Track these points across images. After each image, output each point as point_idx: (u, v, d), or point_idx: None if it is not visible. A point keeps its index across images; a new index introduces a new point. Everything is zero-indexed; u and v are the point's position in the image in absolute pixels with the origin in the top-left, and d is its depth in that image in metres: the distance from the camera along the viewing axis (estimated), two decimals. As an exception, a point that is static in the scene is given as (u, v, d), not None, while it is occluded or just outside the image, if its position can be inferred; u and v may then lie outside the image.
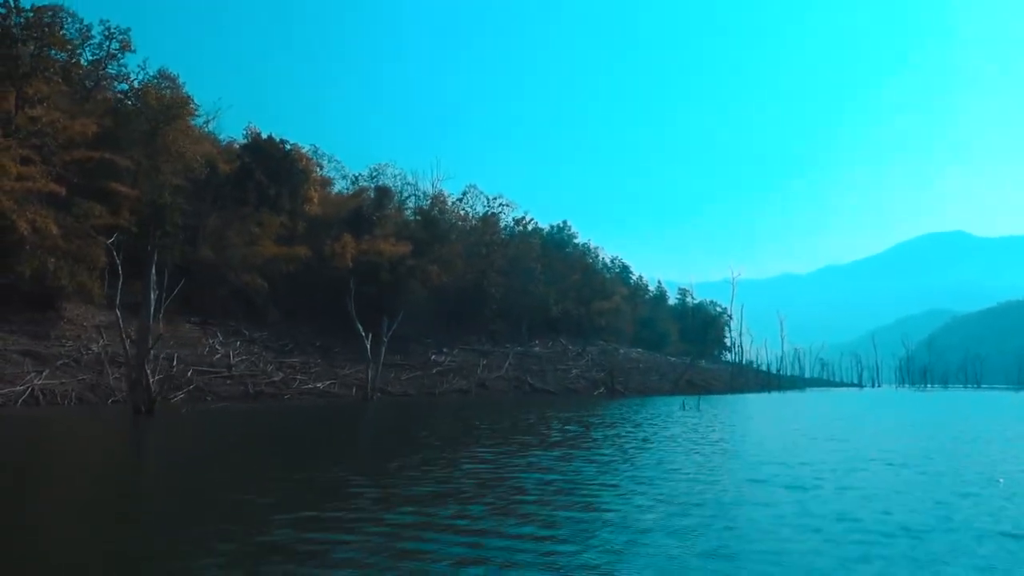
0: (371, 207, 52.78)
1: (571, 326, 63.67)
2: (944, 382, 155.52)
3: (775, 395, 67.20)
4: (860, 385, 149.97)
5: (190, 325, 40.02)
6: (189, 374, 34.05)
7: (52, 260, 32.58)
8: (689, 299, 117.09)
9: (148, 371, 22.16)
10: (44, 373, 28.75)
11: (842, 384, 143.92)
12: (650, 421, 25.80)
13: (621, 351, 64.73)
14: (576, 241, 73.85)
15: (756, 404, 44.18)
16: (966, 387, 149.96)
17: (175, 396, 31.50)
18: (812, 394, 78.59)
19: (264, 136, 52.64)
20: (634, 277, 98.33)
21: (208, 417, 25.23)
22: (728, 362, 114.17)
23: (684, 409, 32.85)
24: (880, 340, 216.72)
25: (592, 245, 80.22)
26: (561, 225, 72.07)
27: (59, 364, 29.94)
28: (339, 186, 63.11)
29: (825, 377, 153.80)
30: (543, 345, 57.69)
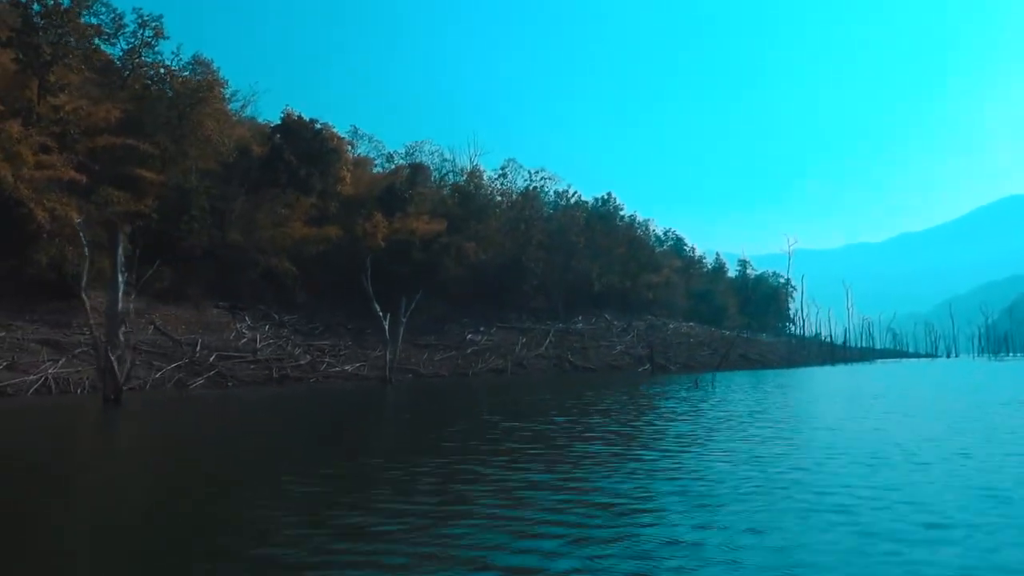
0: (404, 185, 51.52)
1: (617, 301, 61.43)
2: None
3: (836, 368, 63.66)
4: (934, 355, 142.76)
5: (218, 310, 39.64)
6: (212, 359, 33.55)
7: (71, 248, 32.32)
8: (750, 271, 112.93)
9: (114, 358, 21.16)
10: (60, 362, 28.50)
11: (915, 355, 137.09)
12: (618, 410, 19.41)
13: (671, 326, 62.24)
14: (622, 213, 71.23)
15: (801, 378, 41.32)
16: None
17: (193, 383, 31.06)
18: (877, 366, 74.45)
19: (300, 118, 52.05)
20: (689, 249, 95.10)
21: (190, 404, 24.22)
22: (791, 335, 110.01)
23: (696, 387, 27.87)
24: (958, 308, 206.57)
25: (641, 217, 77.53)
26: (605, 197, 69.53)
27: (77, 352, 29.67)
28: (378, 166, 62.39)
29: (897, 348, 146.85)
30: (586, 321, 55.72)
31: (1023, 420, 15.42)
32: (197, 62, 50.16)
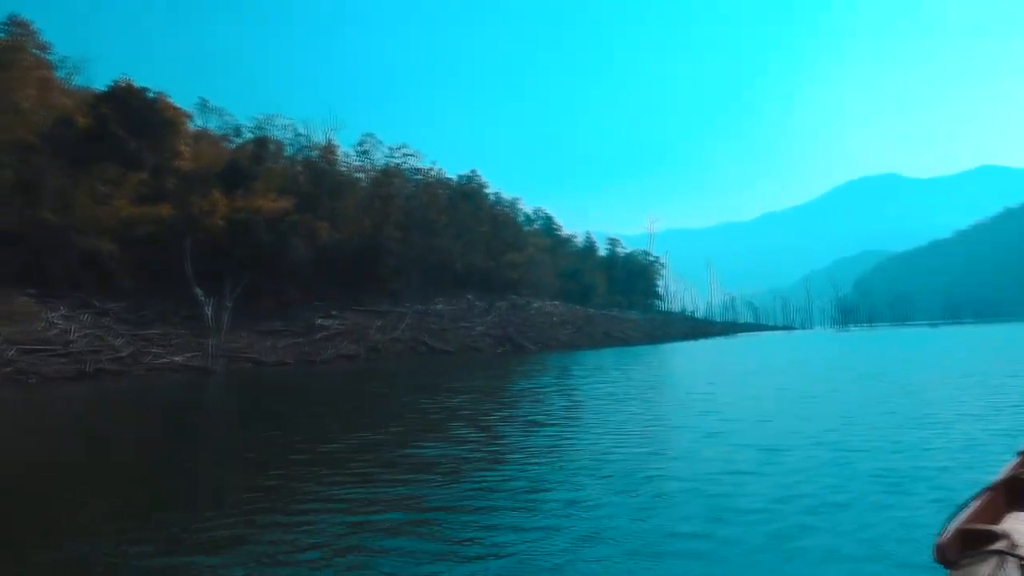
0: (250, 160, 48.29)
1: (481, 281, 60.43)
2: (870, 321, 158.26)
3: (694, 343, 65.60)
4: (791, 328, 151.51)
5: (25, 298, 35.57)
6: (11, 353, 29.95)
7: None
8: (619, 249, 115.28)
9: None
10: None
11: (774, 328, 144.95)
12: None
13: (535, 305, 61.95)
14: (487, 191, 70.16)
15: (643, 356, 41.92)
16: (892, 325, 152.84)
17: (-18, 380, 27.55)
18: (734, 340, 77.57)
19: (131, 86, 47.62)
20: (558, 228, 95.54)
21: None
22: (660, 311, 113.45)
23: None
24: (814, 283, 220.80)
25: (507, 196, 76.88)
26: (470, 175, 68.27)
27: None
28: (233, 143, 58.22)
29: (758, 322, 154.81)
30: (447, 302, 54.39)
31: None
32: (13, 22, 45.10)
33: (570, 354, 45.26)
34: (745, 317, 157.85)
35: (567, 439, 10.57)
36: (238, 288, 34.54)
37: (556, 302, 67.42)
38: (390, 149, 61.92)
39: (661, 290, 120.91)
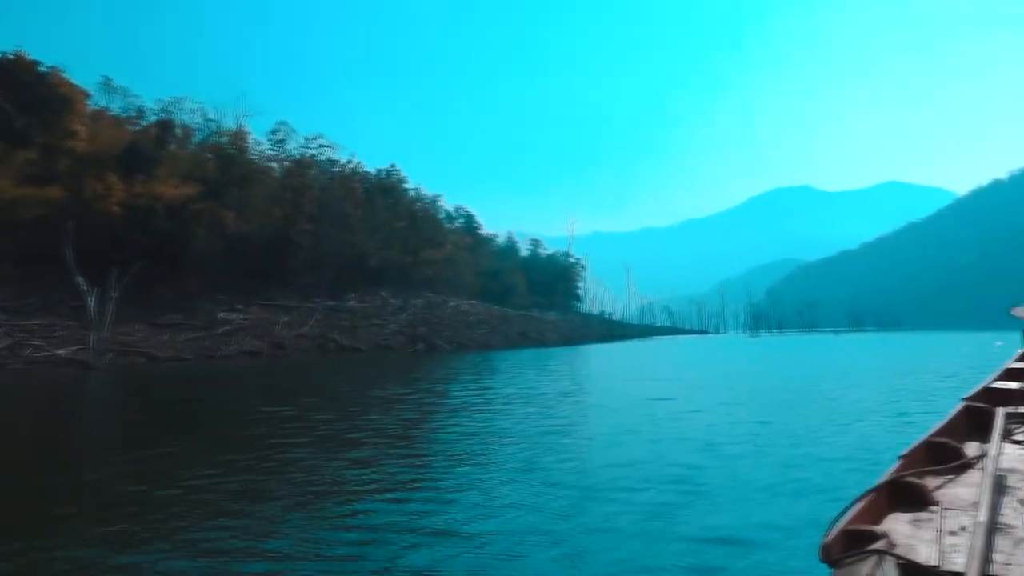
0: (152, 144, 45.85)
1: (397, 277, 59.21)
2: (780, 327, 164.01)
3: (605, 346, 66.12)
4: (704, 332, 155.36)
5: None
6: None
7: None
8: (541, 250, 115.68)
9: None
10: None
11: (689, 332, 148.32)
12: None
13: (451, 303, 61.15)
14: (406, 187, 68.95)
15: (546, 359, 41.83)
16: (800, 332, 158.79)
17: None
18: (645, 343, 78.70)
19: (20, 58, 44.44)
20: (481, 228, 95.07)
21: None
22: (579, 313, 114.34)
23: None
24: (730, 289, 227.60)
25: (429, 192, 75.83)
26: (389, 169, 66.88)
27: None
28: (139, 125, 55.06)
29: (674, 326, 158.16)
30: (360, 299, 53.01)
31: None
32: None
33: (483, 354, 44.76)
34: (662, 321, 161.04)
35: (383, 460, 9.93)
36: (125, 277, 32.51)
37: (474, 301, 66.79)
38: (306, 139, 60.18)
39: (581, 292, 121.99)
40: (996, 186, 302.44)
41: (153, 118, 52.81)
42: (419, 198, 71.97)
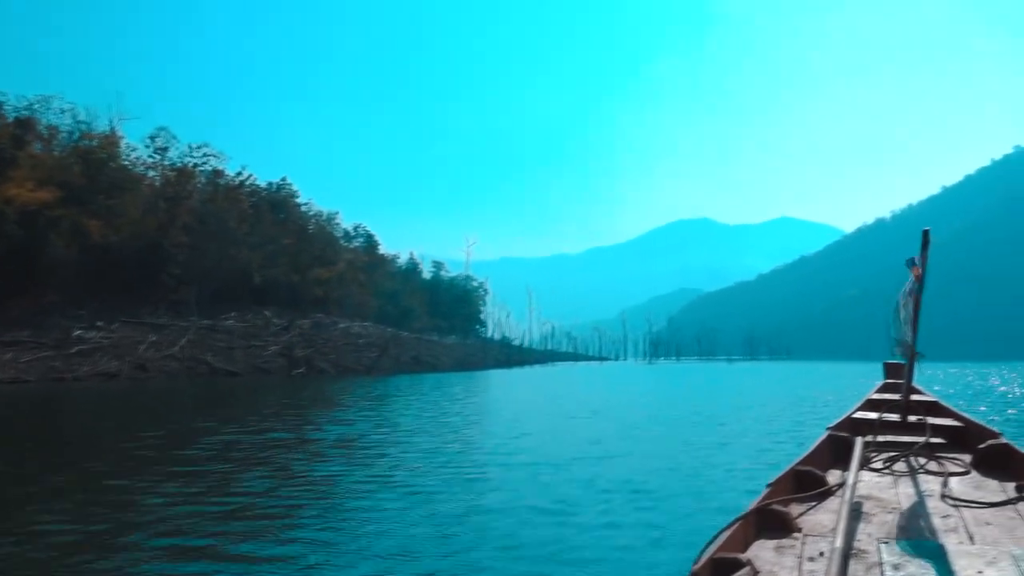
0: (8, 143, 41.84)
1: (284, 296, 56.18)
2: (678, 355, 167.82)
3: (502, 372, 65.00)
4: (605, 359, 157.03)
5: None
6: None
7: None
8: (444, 273, 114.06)
9: None
10: None
11: (589, 358, 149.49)
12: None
13: (341, 325, 58.52)
14: (298, 201, 66.08)
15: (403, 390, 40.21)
16: (698, 359, 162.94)
17: None
18: (545, 368, 78.19)
19: None
20: (380, 247, 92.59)
21: None
22: (480, 338, 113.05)
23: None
24: (632, 317, 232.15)
25: (323, 209, 73.01)
26: (280, 183, 63.96)
27: None
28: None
29: (576, 352, 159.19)
30: (240, 318, 49.84)
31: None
32: None
33: (359, 380, 42.45)
34: (564, 347, 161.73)
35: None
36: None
37: (367, 323, 64.30)
38: (189, 147, 56.64)
39: (484, 316, 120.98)
40: (880, 225, 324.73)
41: (15, 115, 48.48)
42: (313, 214, 69.17)
